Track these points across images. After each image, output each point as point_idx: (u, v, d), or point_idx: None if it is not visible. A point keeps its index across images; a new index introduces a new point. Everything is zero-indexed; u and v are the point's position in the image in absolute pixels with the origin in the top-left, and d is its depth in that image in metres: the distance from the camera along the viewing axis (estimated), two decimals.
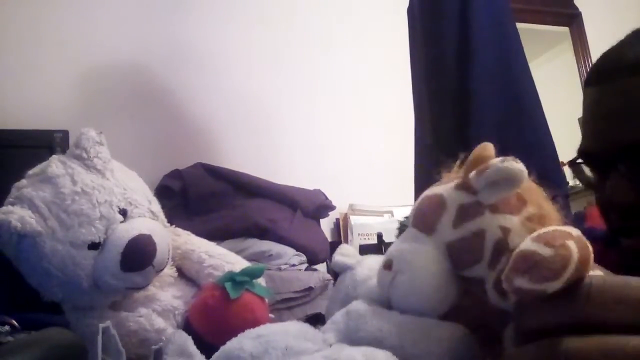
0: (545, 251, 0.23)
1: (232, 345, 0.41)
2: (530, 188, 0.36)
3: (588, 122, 0.51)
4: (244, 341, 0.40)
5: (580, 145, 0.52)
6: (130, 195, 0.79)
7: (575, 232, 0.25)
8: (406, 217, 0.86)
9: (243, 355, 0.39)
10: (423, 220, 0.37)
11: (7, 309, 0.76)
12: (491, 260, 0.33)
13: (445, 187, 0.37)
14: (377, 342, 0.36)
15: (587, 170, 0.53)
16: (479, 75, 1.24)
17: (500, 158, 0.33)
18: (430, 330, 0.35)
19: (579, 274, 0.24)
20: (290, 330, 0.41)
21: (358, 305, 0.40)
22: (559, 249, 0.23)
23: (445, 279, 0.36)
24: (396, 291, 0.37)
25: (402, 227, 0.84)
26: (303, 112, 1.86)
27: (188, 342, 0.58)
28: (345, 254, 0.50)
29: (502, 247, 0.33)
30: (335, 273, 0.52)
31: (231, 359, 0.40)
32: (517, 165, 0.32)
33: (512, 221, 0.33)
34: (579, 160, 0.53)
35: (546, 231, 0.25)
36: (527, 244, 0.24)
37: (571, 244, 0.24)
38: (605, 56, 0.51)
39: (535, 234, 0.25)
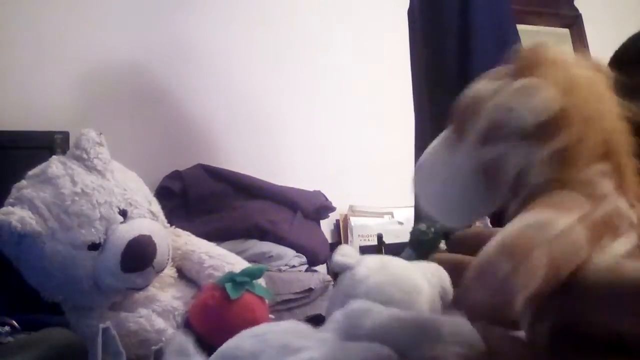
0: (504, 267, 0.20)
1: (229, 345, 0.41)
2: (591, 116, 0.28)
3: None
4: (241, 341, 0.40)
5: None
6: (130, 196, 0.79)
7: (560, 227, 0.21)
8: (416, 227, 0.85)
9: (240, 355, 0.39)
10: (457, 123, 0.31)
11: (7, 310, 0.76)
12: (512, 193, 0.29)
13: (490, 84, 0.31)
14: (376, 339, 0.36)
15: None
16: (479, 76, 1.24)
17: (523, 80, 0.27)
18: (431, 325, 0.35)
19: (554, 280, 0.21)
20: (287, 329, 0.41)
21: (357, 304, 0.40)
22: (521, 265, 0.20)
23: (472, 196, 0.31)
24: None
25: (415, 232, 0.83)
26: (303, 112, 1.86)
27: (188, 342, 0.58)
28: (345, 254, 0.50)
29: (520, 183, 0.28)
30: (335, 274, 0.52)
31: (228, 359, 0.40)
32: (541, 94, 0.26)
33: (537, 154, 0.27)
34: None
35: (512, 235, 0.21)
36: (487, 251, 0.21)
37: (538, 255, 0.20)
38: (633, 40, 0.51)
39: (500, 235, 0.21)
